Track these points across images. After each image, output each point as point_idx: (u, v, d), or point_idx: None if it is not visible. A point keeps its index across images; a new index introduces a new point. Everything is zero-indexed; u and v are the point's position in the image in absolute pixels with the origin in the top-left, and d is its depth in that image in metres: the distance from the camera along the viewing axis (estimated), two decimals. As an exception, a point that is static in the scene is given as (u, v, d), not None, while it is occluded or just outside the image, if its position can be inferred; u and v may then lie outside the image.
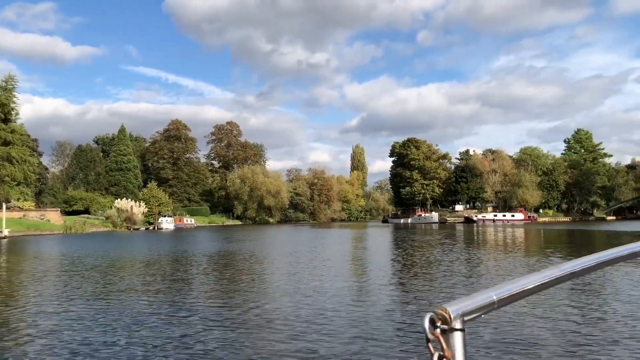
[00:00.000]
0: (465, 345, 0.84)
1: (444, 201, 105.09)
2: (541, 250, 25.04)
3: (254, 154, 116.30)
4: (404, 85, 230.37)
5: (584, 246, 27.71)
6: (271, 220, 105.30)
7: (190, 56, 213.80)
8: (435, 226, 72.85)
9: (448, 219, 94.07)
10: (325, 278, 14.57)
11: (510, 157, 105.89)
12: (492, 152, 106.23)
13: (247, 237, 44.41)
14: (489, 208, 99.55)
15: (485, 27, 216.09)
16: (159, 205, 78.99)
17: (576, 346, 6.70)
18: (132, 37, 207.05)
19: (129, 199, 77.15)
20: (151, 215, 75.73)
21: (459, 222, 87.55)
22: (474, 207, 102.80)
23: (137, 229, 68.59)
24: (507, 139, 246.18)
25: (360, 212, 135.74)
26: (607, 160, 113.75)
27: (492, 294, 0.91)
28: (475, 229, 59.00)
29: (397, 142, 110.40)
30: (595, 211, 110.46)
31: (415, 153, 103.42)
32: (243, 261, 20.78)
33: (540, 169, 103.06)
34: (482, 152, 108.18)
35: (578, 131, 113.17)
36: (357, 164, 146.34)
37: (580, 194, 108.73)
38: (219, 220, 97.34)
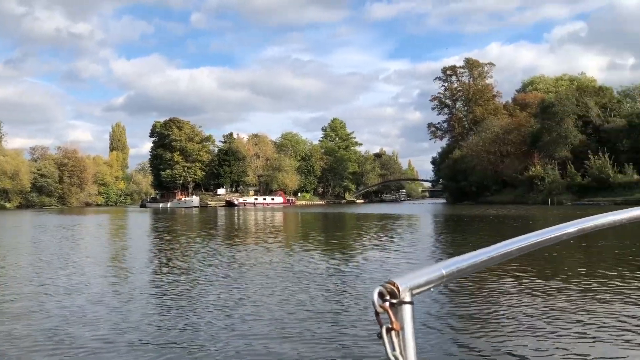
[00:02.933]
0: (414, 317, 0.90)
1: (208, 184, 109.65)
2: (300, 235, 26.57)
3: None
4: (175, 66, 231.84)
5: (338, 228, 31.51)
6: (8, 205, 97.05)
7: None
8: (195, 210, 76.06)
9: (209, 203, 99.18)
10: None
11: (273, 142, 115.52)
12: (256, 136, 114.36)
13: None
14: (251, 192, 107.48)
15: (255, 17, 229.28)
16: None
17: (527, 318, 7.02)
18: None
19: None
20: None
21: (220, 206, 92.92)
22: (237, 191, 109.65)
23: None
24: (275, 126, 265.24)
25: (120, 196, 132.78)
26: (357, 148, 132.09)
27: (441, 268, 0.97)
28: (235, 212, 64.00)
29: (158, 122, 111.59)
30: (346, 195, 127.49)
31: (177, 134, 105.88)
32: None
33: (299, 154, 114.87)
34: (247, 137, 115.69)
35: (334, 120, 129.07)
36: (117, 144, 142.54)
37: (334, 179, 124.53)
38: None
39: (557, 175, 69.91)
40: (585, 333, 6.24)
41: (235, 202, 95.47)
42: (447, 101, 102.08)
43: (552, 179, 69.78)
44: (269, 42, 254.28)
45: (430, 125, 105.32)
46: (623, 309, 7.44)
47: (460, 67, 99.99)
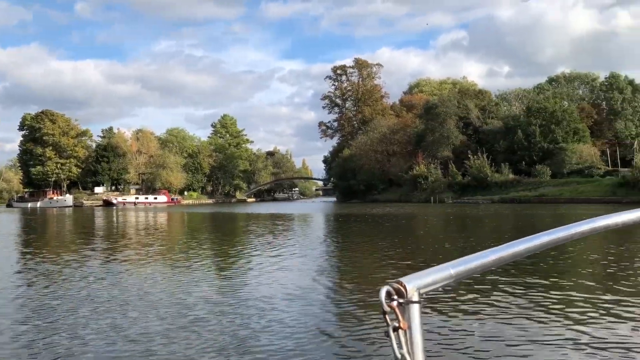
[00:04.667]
0: (420, 317, 0.91)
1: (85, 183, 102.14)
2: (182, 239, 22.66)
3: None
4: (58, 57, 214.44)
5: (230, 231, 28.67)
6: None
7: None
8: (68, 210, 70.23)
9: (85, 202, 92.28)
10: None
11: (157, 137, 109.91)
12: (140, 131, 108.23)
13: None
14: (132, 190, 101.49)
15: (146, 9, 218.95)
16: None
17: (538, 318, 6.94)
18: None
19: None
20: None
21: (97, 206, 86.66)
22: (117, 189, 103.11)
23: None
24: (167, 123, 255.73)
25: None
26: (249, 146, 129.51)
27: (450, 267, 0.98)
28: (113, 212, 59.32)
29: (29, 114, 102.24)
30: (237, 193, 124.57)
31: (50, 127, 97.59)
32: None
33: (186, 151, 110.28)
34: (129, 132, 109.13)
35: (224, 117, 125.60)
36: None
37: (224, 177, 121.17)
38: None
39: (440, 174, 72.28)
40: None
41: (114, 202, 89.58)
42: (338, 100, 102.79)
43: (435, 178, 72.01)
44: (162, 35, 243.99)
45: (321, 124, 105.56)
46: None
47: (350, 67, 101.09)
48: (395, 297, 0.88)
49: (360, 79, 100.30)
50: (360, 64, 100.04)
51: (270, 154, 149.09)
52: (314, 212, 49.64)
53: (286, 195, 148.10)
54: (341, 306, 8.28)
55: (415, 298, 0.90)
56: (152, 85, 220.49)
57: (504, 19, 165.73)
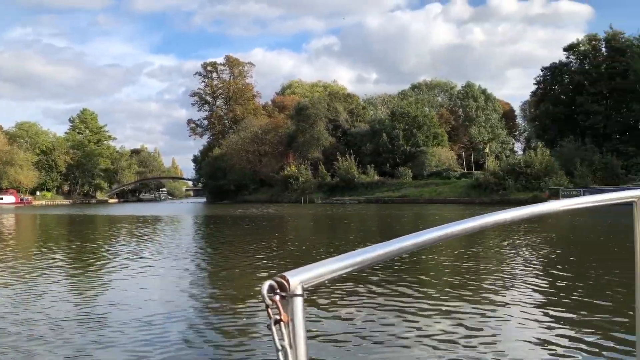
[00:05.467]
0: (303, 310, 0.92)
1: None
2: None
3: None
4: None
5: (87, 236, 26.63)
6: None
7: None
8: None
9: None
10: None
11: (5, 132, 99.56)
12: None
13: None
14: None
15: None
16: None
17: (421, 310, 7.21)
18: None
19: None
20: None
21: None
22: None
23: None
24: (23, 117, 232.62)
25: None
26: (112, 143, 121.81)
27: (334, 262, 1.00)
28: None
29: None
30: (98, 194, 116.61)
31: None
32: None
33: (39, 147, 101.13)
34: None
35: (84, 111, 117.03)
36: None
37: (83, 176, 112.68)
38: None
39: (310, 175, 73.29)
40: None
41: (-51, 203, 79.53)
42: (208, 98, 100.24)
43: (305, 178, 72.87)
44: (17, 21, 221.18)
45: (190, 121, 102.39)
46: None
47: (221, 65, 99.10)
48: (278, 290, 0.91)
49: (232, 77, 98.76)
50: (231, 62, 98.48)
51: (136, 151, 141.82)
52: (180, 213, 47.45)
53: (152, 195, 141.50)
54: (208, 315, 7.61)
55: (299, 291, 0.91)
56: (5, 75, 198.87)
57: (372, 27, 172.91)
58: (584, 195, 37.85)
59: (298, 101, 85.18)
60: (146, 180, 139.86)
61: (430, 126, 72.37)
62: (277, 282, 0.92)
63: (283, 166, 76.15)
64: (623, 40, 60.88)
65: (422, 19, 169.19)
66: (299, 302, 0.92)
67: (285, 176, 74.73)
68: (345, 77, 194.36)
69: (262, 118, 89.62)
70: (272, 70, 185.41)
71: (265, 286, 0.91)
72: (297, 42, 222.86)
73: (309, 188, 71.47)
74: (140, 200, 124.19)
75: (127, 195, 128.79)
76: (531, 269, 10.99)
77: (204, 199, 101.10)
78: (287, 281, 0.91)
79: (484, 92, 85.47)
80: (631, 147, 56.77)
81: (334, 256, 1.03)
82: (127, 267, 12.33)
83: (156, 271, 11.77)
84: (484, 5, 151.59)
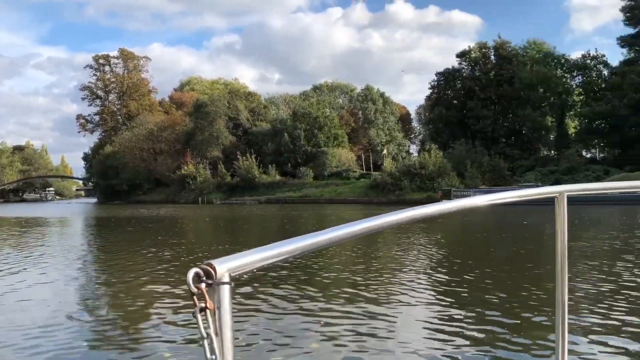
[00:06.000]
0: (231, 298, 0.92)
1: None
2: None
3: None
4: None
5: None
6: None
7: None
8: None
9: None
10: None
11: None
12: None
13: None
14: None
15: None
16: None
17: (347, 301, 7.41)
18: None
19: None
20: None
21: None
22: None
23: None
24: None
25: None
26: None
27: (262, 250, 1.00)
28: None
29: None
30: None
31: None
32: None
33: None
34: None
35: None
36: None
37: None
38: None
39: (209, 174, 71.16)
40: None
41: None
42: (100, 92, 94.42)
43: (203, 178, 70.65)
44: None
45: (79, 116, 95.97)
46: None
47: (114, 58, 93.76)
48: (204, 278, 0.90)
49: (126, 71, 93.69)
50: (126, 55, 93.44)
51: (20, 148, 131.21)
52: (66, 215, 43.83)
53: (38, 195, 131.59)
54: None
55: (226, 279, 0.91)
56: None
57: (275, 27, 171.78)
58: (474, 195, 39.36)
59: (197, 98, 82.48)
60: (31, 179, 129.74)
61: (331, 127, 72.86)
62: (203, 269, 0.91)
63: (180, 165, 73.34)
64: (510, 49, 64.75)
65: (323, 22, 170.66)
66: (225, 290, 0.91)
67: (182, 175, 71.98)
68: (247, 76, 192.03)
69: (158, 115, 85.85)
70: (171, 66, 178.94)
71: (191, 274, 0.89)
72: (198, 38, 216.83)
73: (208, 188, 69.37)
74: (23, 201, 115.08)
75: (8, 195, 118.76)
76: (428, 268, 10.85)
77: (95, 199, 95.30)
78: (214, 269, 0.91)
79: (382, 95, 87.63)
80: (516, 150, 60.46)
81: (265, 244, 1.03)
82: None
83: (23, 285, 10.14)
84: (383, 11, 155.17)
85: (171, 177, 73.98)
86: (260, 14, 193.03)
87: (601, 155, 63.90)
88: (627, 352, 5.10)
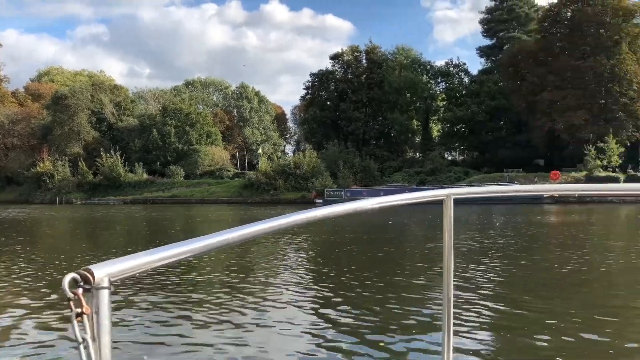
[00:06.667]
0: (109, 303, 0.91)
1: None
2: None
3: None
4: None
5: None
6: None
7: None
8: None
9: None
10: None
11: None
12: None
13: None
14: None
15: None
16: None
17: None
18: None
19: None
20: None
21: None
22: None
23: None
24: None
25: None
26: None
27: (143, 255, 0.99)
28: None
29: None
30: None
31: None
32: None
33: None
34: None
35: None
36: None
37: None
38: None
39: (68, 172, 65.75)
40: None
41: None
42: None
43: (62, 176, 65.17)
44: None
45: None
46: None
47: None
48: (82, 283, 0.89)
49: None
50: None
51: None
52: None
53: None
54: None
55: (105, 284, 0.90)
56: None
57: (146, 20, 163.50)
58: (346, 195, 39.57)
59: (56, 90, 75.77)
60: None
61: (204, 124, 70.61)
62: (80, 274, 0.89)
63: (35, 162, 66.91)
64: (380, 54, 67.03)
65: (197, 18, 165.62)
66: (104, 295, 0.90)
67: (37, 173, 65.68)
68: (115, 69, 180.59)
69: (10, 106, 77.59)
70: (29, 55, 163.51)
71: (67, 279, 0.88)
72: (61, 27, 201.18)
73: (67, 187, 64.02)
74: None
75: None
76: (303, 270, 10.44)
77: None
78: (92, 274, 0.89)
79: (257, 94, 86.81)
80: (385, 151, 62.71)
81: (146, 248, 1.02)
82: None
83: None
84: (258, 11, 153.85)
85: (25, 175, 67.32)
86: (130, 5, 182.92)
87: (461, 157, 68.46)
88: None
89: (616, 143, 45.55)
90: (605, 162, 44.97)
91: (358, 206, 1.59)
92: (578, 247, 13.30)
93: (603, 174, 43.34)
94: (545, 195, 35.43)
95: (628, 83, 47.79)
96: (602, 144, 45.42)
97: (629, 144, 47.33)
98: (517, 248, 13.41)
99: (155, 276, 9.21)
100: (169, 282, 8.98)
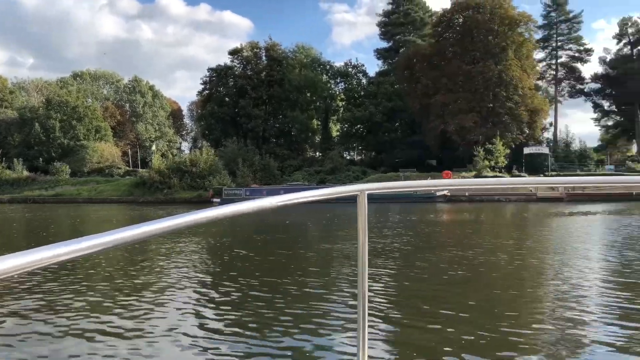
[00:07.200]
0: None
1: None
2: None
3: None
4: None
5: None
6: None
7: None
8: None
9: None
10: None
11: None
12: None
13: None
14: None
15: None
16: None
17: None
18: None
19: None
20: None
21: None
22: None
23: None
24: None
25: None
26: None
27: (21, 256, 0.91)
28: None
29: None
30: None
31: None
32: None
33: None
34: None
35: None
36: None
37: None
38: None
39: None
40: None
41: None
42: None
43: None
44: None
45: None
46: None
47: None
48: None
49: None
50: None
51: None
52: None
53: None
54: None
55: None
56: None
57: (29, 7, 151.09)
58: (245, 194, 38.33)
59: None
60: None
61: (93, 118, 66.30)
62: None
63: None
64: (280, 51, 66.45)
65: (86, 7, 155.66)
66: None
67: None
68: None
69: None
70: None
71: None
72: None
73: None
74: None
75: None
76: (199, 272, 9.91)
77: None
78: None
79: (151, 88, 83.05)
80: (286, 150, 62.26)
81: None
82: None
83: None
84: (153, 3, 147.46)
85: None
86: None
87: (359, 157, 69.63)
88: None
89: (502, 145, 48.32)
90: (492, 163, 47.51)
91: (264, 204, 1.49)
92: (471, 246, 13.47)
93: (490, 174, 45.76)
94: (445, 192, 37.15)
95: (514, 88, 50.78)
96: (490, 146, 47.96)
97: (514, 146, 50.35)
98: (411, 249, 13.33)
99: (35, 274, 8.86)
100: (47, 282, 8.60)
